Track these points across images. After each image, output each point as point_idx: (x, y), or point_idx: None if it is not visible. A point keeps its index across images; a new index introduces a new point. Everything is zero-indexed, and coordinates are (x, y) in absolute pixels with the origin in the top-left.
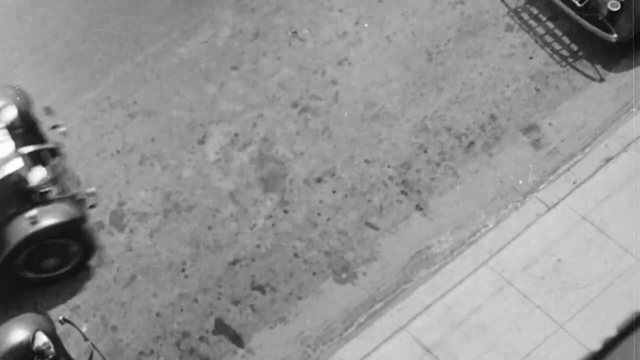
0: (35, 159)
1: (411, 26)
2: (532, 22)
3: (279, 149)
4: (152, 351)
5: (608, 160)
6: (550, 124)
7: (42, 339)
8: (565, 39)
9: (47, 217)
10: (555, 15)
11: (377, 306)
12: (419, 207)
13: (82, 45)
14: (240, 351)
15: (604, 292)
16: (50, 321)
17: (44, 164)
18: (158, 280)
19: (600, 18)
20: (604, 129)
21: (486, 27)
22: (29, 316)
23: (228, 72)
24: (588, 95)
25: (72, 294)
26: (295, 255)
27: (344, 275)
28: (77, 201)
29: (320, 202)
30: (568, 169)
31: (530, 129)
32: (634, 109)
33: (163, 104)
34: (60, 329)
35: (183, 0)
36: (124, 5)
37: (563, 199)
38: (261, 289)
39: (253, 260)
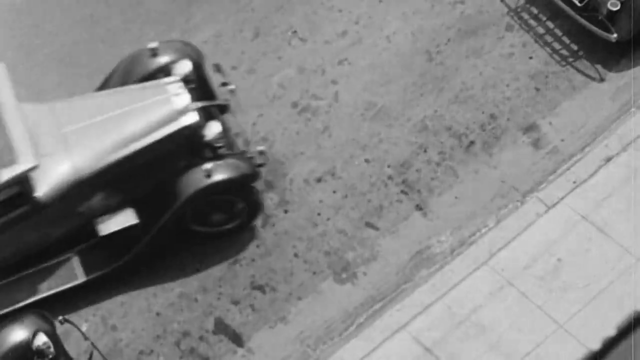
0: (206, 115)
1: (411, 26)
2: (532, 22)
3: (279, 148)
4: (152, 351)
5: (608, 159)
6: (550, 123)
7: (41, 339)
8: (565, 39)
9: (221, 172)
10: (555, 14)
11: (377, 306)
12: (419, 207)
13: (82, 44)
14: (240, 351)
15: (604, 292)
16: (50, 321)
17: (213, 120)
18: (158, 279)
19: (600, 17)
20: (604, 128)
21: (486, 27)
22: (29, 316)
23: (228, 72)
24: (588, 94)
25: (73, 293)
26: (295, 255)
27: (344, 275)
28: (247, 159)
29: (320, 201)
30: (568, 169)
31: (530, 128)
32: (633, 109)
33: None
34: (60, 328)
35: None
36: (124, 5)
37: (563, 198)
38: (261, 288)
39: (253, 260)
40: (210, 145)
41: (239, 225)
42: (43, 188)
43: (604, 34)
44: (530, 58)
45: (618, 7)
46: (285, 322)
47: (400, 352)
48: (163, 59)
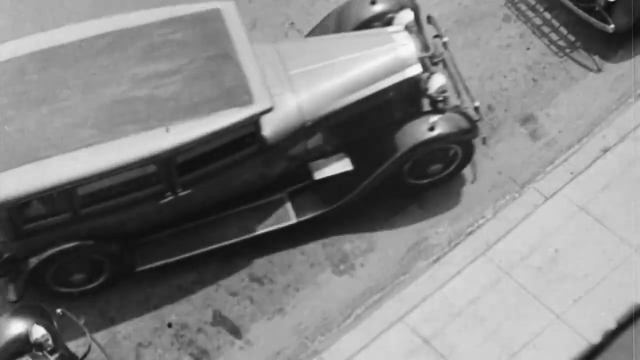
0: (425, 67)
1: None
2: (530, 13)
3: None
4: (150, 343)
5: (605, 150)
6: (547, 114)
7: (40, 332)
8: (563, 30)
9: (444, 125)
10: (553, 5)
11: (375, 297)
12: (416, 199)
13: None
14: (239, 342)
15: (602, 283)
16: (48, 313)
17: (435, 72)
18: (155, 271)
19: (597, 8)
20: (602, 119)
21: (484, 18)
22: (27, 308)
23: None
24: (585, 85)
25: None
26: (293, 246)
27: (341, 267)
28: (465, 114)
29: None
30: (565, 160)
31: (527, 119)
32: (631, 100)
33: None
34: (58, 321)
35: None
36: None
37: (560, 189)
38: (259, 280)
39: (251, 252)
40: (431, 98)
41: (447, 176)
42: (270, 129)
43: (601, 25)
44: (528, 49)
45: None
46: (283, 314)
47: (399, 344)
48: (381, 7)
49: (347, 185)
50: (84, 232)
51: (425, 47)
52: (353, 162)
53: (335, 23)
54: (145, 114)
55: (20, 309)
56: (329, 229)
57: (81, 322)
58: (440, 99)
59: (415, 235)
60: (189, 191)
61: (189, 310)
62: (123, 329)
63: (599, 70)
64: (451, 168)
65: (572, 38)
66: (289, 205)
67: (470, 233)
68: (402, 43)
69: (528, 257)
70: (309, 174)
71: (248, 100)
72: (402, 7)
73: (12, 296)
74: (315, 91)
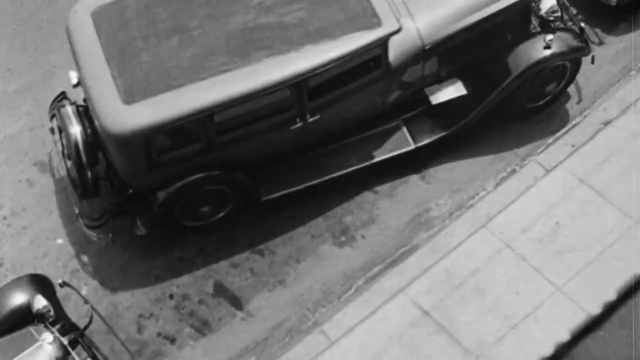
0: None
1: None
2: None
3: None
4: (151, 314)
5: (607, 123)
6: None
7: (41, 302)
8: (565, 2)
9: (559, 43)
10: None
11: (376, 269)
12: (417, 171)
13: None
14: (240, 314)
15: (603, 255)
16: (50, 284)
17: None
18: (157, 242)
19: None
20: (603, 92)
21: None
22: (29, 279)
23: None
24: (587, 58)
25: (72, 257)
26: (294, 218)
27: (342, 239)
28: (576, 32)
29: None
30: (567, 132)
31: None
32: (632, 72)
33: None
34: (60, 292)
35: None
36: None
37: (561, 162)
38: (260, 252)
39: (252, 223)
40: (542, 18)
41: (559, 93)
42: (393, 53)
43: None
44: None
45: None
46: (284, 285)
47: (399, 315)
48: None
49: (463, 110)
50: (214, 162)
51: None
52: (468, 86)
53: None
54: (276, 40)
55: (21, 279)
56: (330, 201)
57: (83, 292)
58: (552, 18)
59: (416, 207)
60: (317, 117)
61: (190, 281)
62: (124, 300)
63: (601, 43)
64: (561, 85)
65: (574, 11)
66: (405, 132)
67: (471, 205)
68: None
69: (529, 229)
70: (424, 99)
71: (376, 23)
72: None
73: (141, 230)
74: (432, 15)
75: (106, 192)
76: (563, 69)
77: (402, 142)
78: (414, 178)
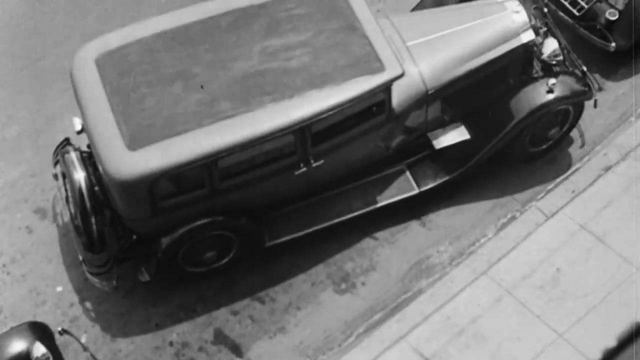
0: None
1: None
2: None
3: None
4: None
5: (607, 169)
6: None
7: (41, 350)
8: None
9: (561, 87)
10: (555, 23)
11: (377, 316)
12: (418, 217)
13: None
14: None
15: (604, 302)
16: (49, 332)
17: (548, 38)
18: (157, 289)
19: (598, 27)
20: (603, 137)
21: None
22: (28, 326)
23: None
24: (587, 104)
25: (72, 304)
26: (294, 264)
27: (343, 286)
28: (578, 76)
29: None
30: (567, 178)
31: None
32: (632, 118)
33: None
34: (59, 339)
35: None
36: (124, 17)
37: (562, 208)
38: (260, 299)
39: (252, 270)
40: (544, 62)
41: (561, 138)
42: (396, 98)
43: (603, 44)
44: None
45: (616, 17)
46: (284, 333)
47: None
48: None
49: (466, 154)
50: (218, 207)
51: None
52: (471, 130)
53: (434, 1)
54: (279, 85)
55: (21, 326)
56: (330, 248)
57: (82, 340)
58: (554, 62)
59: (416, 254)
60: (320, 162)
61: (190, 328)
62: (124, 347)
63: (600, 88)
64: (564, 130)
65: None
66: (409, 176)
67: (471, 252)
68: (514, 10)
69: (530, 276)
70: (427, 144)
71: (379, 68)
72: None
73: (145, 277)
74: (435, 60)
75: (110, 239)
76: (566, 113)
77: (405, 187)
78: (414, 224)
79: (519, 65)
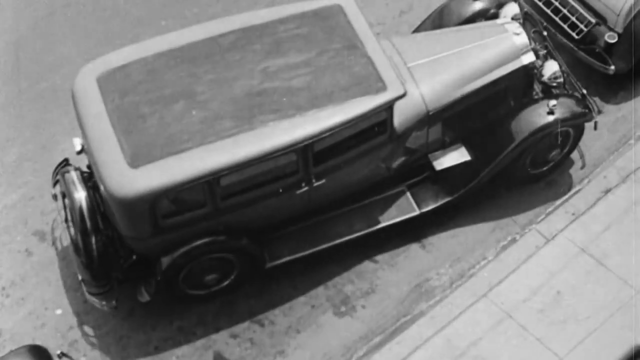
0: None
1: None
2: None
3: None
4: None
5: (607, 191)
6: None
7: None
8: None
9: (562, 109)
10: (553, 47)
11: (377, 339)
12: (417, 240)
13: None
14: None
15: (604, 325)
16: (48, 355)
17: (547, 60)
18: (156, 312)
19: (597, 50)
20: (603, 160)
21: None
22: (27, 350)
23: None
24: (586, 126)
25: (71, 327)
26: (294, 287)
27: (342, 309)
28: (578, 98)
29: None
30: (567, 201)
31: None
32: (632, 141)
33: None
34: None
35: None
36: (123, 38)
37: (562, 230)
38: (260, 322)
39: (251, 292)
40: (544, 84)
41: (559, 162)
42: (398, 118)
43: (602, 67)
44: None
45: (615, 40)
46: (284, 356)
47: None
48: (482, 4)
49: (467, 176)
50: (219, 227)
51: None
52: (472, 152)
53: (434, 24)
54: (282, 104)
55: (20, 350)
56: (330, 270)
57: None
58: (554, 84)
59: (416, 276)
60: (322, 181)
61: (190, 352)
62: None
63: (600, 111)
64: (565, 152)
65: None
66: (410, 197)
67: (471, 275)
68: (515, 32)
69: (530, 298)
70: (427, 165)
71: (381, 87)
72: (503, 3)
73: (144, 297)
74: (436, 81)
75: (110, 259)
76: (566, 135)
77: (406, 208)
78: (414, 247)
79: (519, 87)
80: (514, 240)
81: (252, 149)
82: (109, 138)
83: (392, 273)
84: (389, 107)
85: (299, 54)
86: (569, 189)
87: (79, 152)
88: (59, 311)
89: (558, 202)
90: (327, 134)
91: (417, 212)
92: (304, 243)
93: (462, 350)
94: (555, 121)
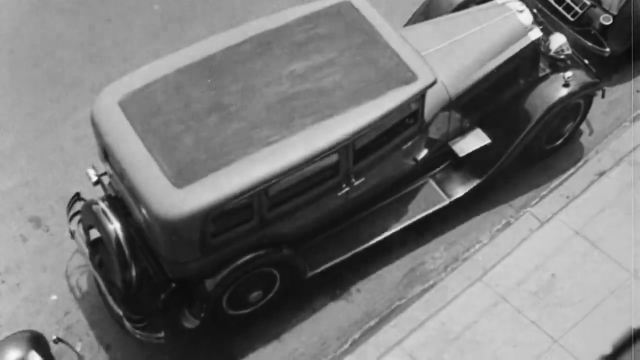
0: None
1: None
2: None
3: None
4: None
5: (601, 174)
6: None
7: (35, 358)
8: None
9: (575, 81)
10: (548, 29)
11: (372, 323)
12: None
13: (74, 64)
14: None
15: (599, 307)
16: (44, 340)
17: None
18: None
19: (592, 32)
20: (597, 143)
21: None
22: (23, 335)
23: None
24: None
25: (66, 313)
26: None
27: (338, 292)
28: (586, 68)
29: None
30: (561, 184)
31: None
32: (626, 123)
33: None
34: (54, 348)
35: (174, 19)
36: (116, 24)
37: (556, 213)
38: None
39: None
40: (552, 58)
41: (571, 134)
42: (425, 108)
43: (597, 49)
44: None
45: (610, 22)
46: (279, 340)
47: None
48: None
49: (491, 157)
50: (263, 240)
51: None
52: (490, 134)
53: (425, 15)
54: (317, 106)
55: (15, 335)
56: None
57: (77, 348)
58: (562, 57)
59: (411, 260)
60: (362, 180)
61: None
62: (120, 355)
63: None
64: (576, 123)
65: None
66: (436, 187)
67: (466, 258)
68: (519, 10)
69: (524, 282)
70: (447, 154)
71: (412, 77)
72: None
73: (191, 322)
74: (453, 67)
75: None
76: (577, 107)
77: (435, 199)
78: (409, 231)
79: (527, 63)
80: (508, 224)
81: (298, 153)
82: (146, 161)
83: (387, 257)
84: (421, 96)
85: (322, 54)
86: (563, 172)
87: (95, 183)
88: (54, 297)
89: (552, 185)
90: (368, 129)
91: (447, 201)
92: (340, 247)
93: (457, 334)
94: (571, 92)
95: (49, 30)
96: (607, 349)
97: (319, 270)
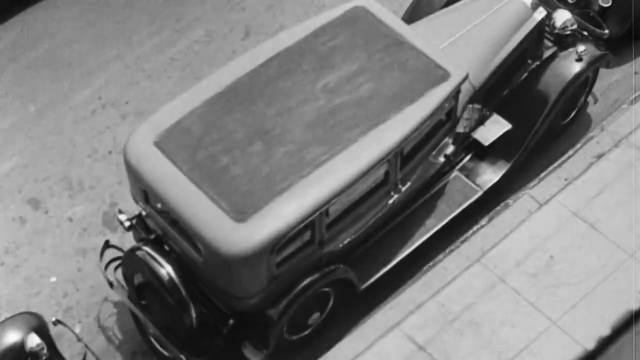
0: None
1: None
2: None
3: None
4: (145, 351)
5: (599, 156)
6: None
7: (35, 340)
8: None
9: (586, 54)
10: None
11: (370, 304)
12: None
13: (73, 45)
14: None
15: (597, 289)
16: (43, 322)
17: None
18: None
19: (591, 14)
20: (595, 125)
21: None
22: (22, 317)
23: None
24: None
25: (65, 294)
26: None
27: None
28: (592, 40)
29: None
30: (559, 166)
31: None
32: (625, 105)
33: (154, 104)
34: (53, 330)
35: (174, 0)
36: (115, 6)
37: (554, 195)
38: None
39: None
40: (558, 34)
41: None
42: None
43: (596, 31)
44: None
45: (609, 4)
46: None
47: (394, 350)
48: None
49: (515, 141)
50: (322, 260)
51: None
52: (509, 118)
53: (415, 14)
54: (359, 117)
55: (15, 318)
56: None
57: (76, 330)
58: (568, 32)
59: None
60: (407, 185)
61: None
62: (119, 337)
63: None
64: (584, 96)
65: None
66: (466, 180)
67: (465, 240)
68: None
69: (523, 263)
70: (470, 145)
71: (445, 74)
72: None
73: (257, 356)
74: (470, 57)
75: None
76: (585, 79)
77: (469, 191)
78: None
79: (534, 43)
80: (506, 206)
81: (353, 168)
82: (199, 199)
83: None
84: (457, 92)
85: (349, 64)
86: (562, 154)
87: (129, 229)
88: (53, 279)
89: (551, 167)
90: (416, 132)
91: (480, 191)
92: (386, 254)
93: (456, 315)
94: (587, 66)
95: (44, 11)
96: (606, 331)
97: (371, 280)
